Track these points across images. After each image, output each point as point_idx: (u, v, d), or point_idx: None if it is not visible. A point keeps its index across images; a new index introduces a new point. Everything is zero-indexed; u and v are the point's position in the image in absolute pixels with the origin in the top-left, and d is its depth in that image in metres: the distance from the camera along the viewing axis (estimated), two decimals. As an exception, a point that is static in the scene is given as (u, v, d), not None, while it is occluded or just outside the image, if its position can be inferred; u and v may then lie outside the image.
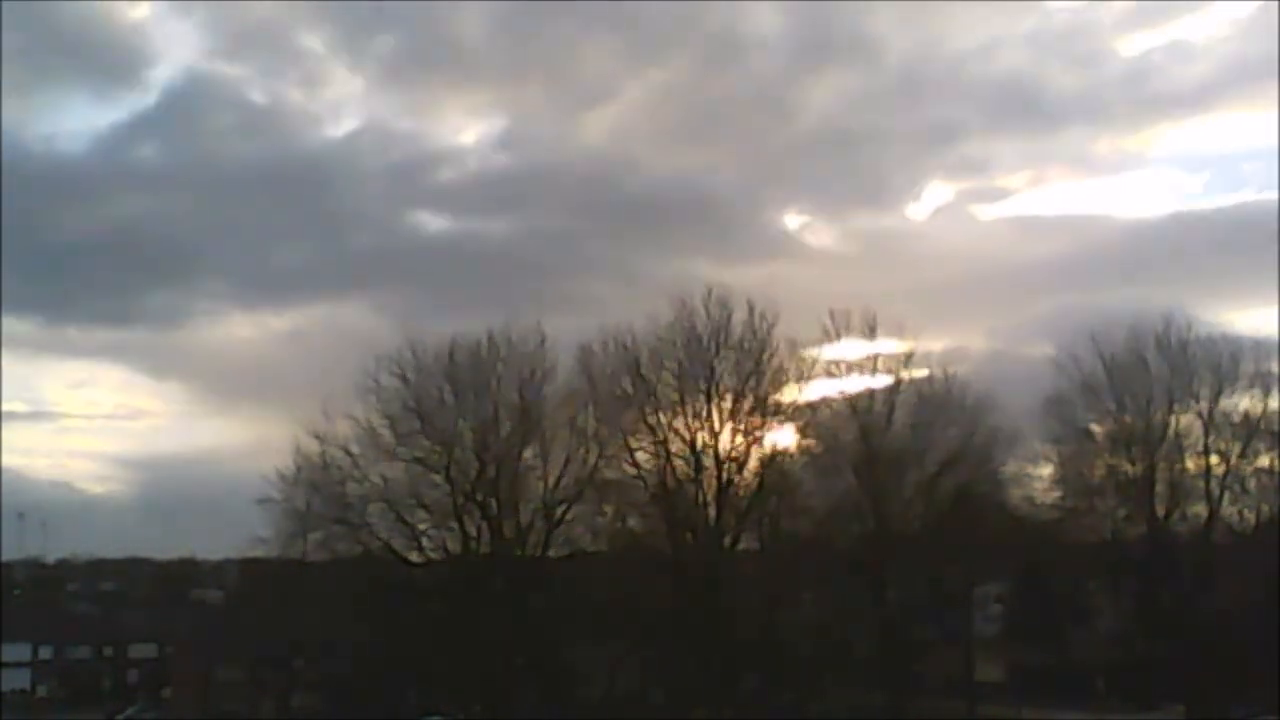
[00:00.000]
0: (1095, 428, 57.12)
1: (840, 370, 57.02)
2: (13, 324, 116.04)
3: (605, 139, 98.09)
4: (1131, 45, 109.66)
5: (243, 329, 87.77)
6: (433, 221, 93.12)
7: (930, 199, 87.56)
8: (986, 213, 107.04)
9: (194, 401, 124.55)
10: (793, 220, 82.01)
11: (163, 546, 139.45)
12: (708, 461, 54.39)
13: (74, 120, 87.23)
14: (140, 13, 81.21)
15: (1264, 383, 54.88)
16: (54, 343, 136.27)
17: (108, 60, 74.43)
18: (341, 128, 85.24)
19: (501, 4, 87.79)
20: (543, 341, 55.04)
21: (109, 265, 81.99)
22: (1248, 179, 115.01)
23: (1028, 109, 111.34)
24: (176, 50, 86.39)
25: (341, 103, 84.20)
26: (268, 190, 79.13)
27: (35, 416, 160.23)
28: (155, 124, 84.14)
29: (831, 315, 56.93)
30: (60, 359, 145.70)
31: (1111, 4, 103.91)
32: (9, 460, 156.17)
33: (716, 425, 54.48)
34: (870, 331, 56.81)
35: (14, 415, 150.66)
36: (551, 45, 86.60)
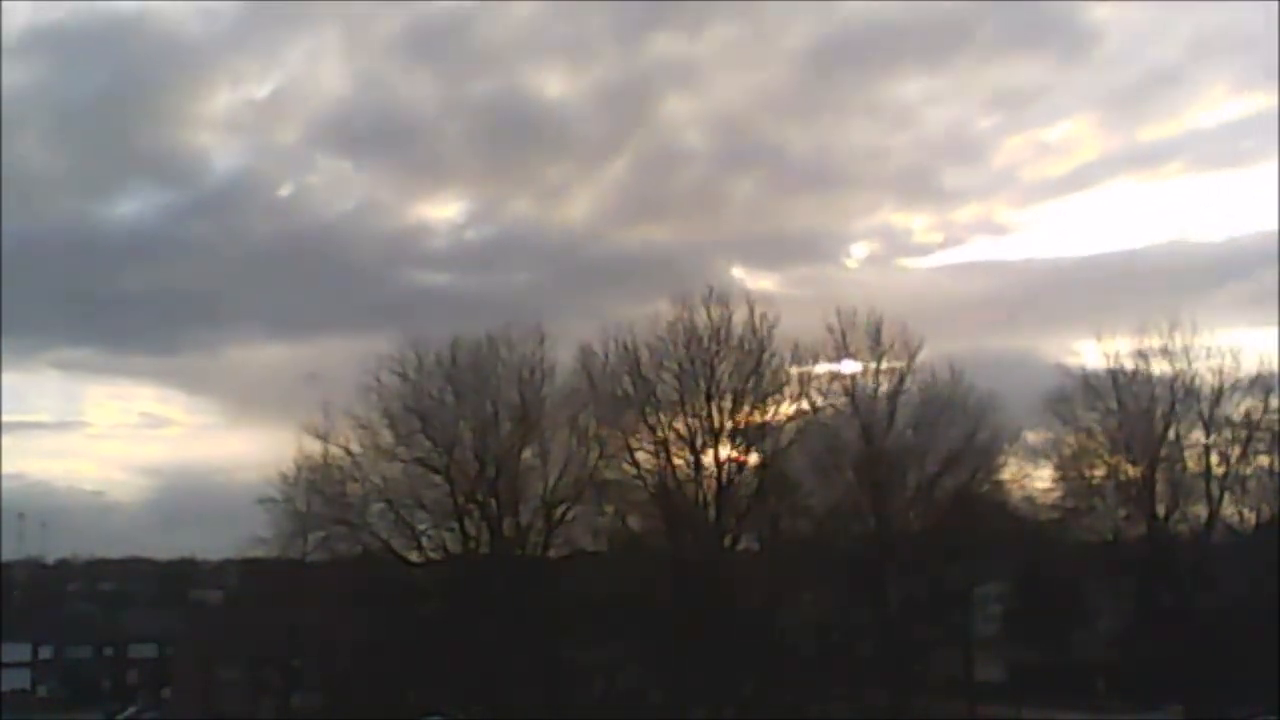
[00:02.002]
0: (1095, 428, 57.14)
1: (841, 370, 57.07)
2: (71, 352, 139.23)
3: (572, 216, 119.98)
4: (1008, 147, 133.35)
5: (267, 356, 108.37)
6: (425, 276, 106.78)
7: (857, 254, 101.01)
8: (907, 264, 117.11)
9: (218, 413, 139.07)
10: (738, 271, 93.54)
11: (164, 547, 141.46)
12: (708, 461, 54.46)
13: (138, 200, 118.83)
14: (201, 138, 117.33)
15: (1264, 383, 54.85)
16: (103, 367, 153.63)
17: (171, 165, 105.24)
18: (348, 206, 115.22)
19: (476, 122, 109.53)
20: (542, 341, 55.10)
21: (158, 309, 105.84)
22: (1119, 234, 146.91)
23: (928, 191, 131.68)
24: (224, 159, 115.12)
25: (349, 189, 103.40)
26: (289, 253, 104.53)
27: (62, 426, 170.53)
28: (203, 206, 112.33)
29: (837, 314, 57.09)
30: (107, 381, 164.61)
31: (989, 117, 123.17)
32: (36, 467, 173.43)
33: (716, 425, 54.46)
34: (873, 332, 56.85)
35: (42, 425, 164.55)
36: (519, 156, 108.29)
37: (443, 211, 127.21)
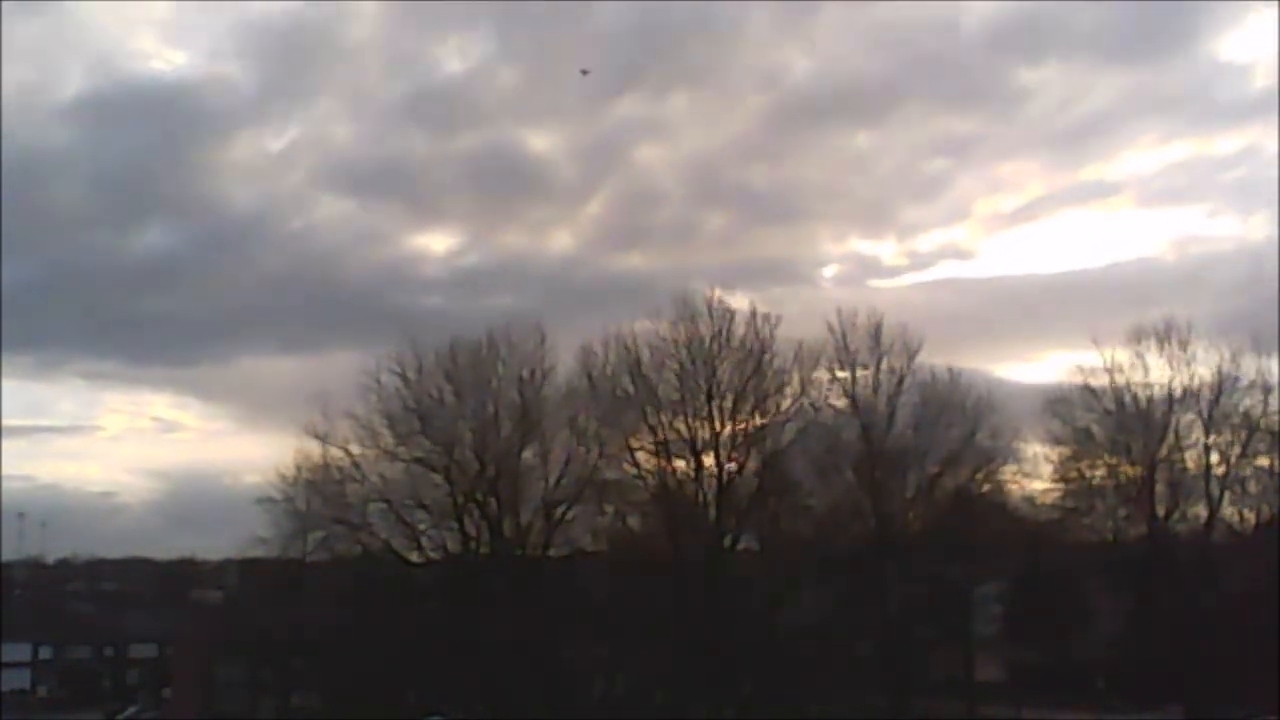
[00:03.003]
0: (1095, 428, 57.12)
1: (842, 370, 57.01)
2: (96, 363, 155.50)
3: (557, 247, 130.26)
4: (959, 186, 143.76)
5: (277, 368, 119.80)
6: (421, 299, 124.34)
7: (828, 275, 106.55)
8: (878, 284, 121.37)
9: (229, 419, 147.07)
10: (716, 292, 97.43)
11: (164, 547, 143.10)
12: (708, 462, 54.44)
13: (164, 233, 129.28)
14: (222, 182, 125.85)
15: (1264, 383, 54.89)
16: (123, 377, 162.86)
17: (194, 204, 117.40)
18: (351, 238, 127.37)
19: (467, 169, 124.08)
20: (542, 341, 55.12)
21: (177, 326, 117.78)
22: (1074, 255, 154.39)
23: (891, 222, 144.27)
24: (241, 199, 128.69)
25: (352, 224, 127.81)
26: (297, 278, 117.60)
27: (75, 430, 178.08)
28: (221, 239, 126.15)
29: (839, 314, 57.12)
30: (125, 389, 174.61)
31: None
32: (46, 469, 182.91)
33: (717, 425, 54.48)
34: (873, 334, 56.85)
35: (54, 429, 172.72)
36: (507, 198, 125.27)
37: (438, 243, 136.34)
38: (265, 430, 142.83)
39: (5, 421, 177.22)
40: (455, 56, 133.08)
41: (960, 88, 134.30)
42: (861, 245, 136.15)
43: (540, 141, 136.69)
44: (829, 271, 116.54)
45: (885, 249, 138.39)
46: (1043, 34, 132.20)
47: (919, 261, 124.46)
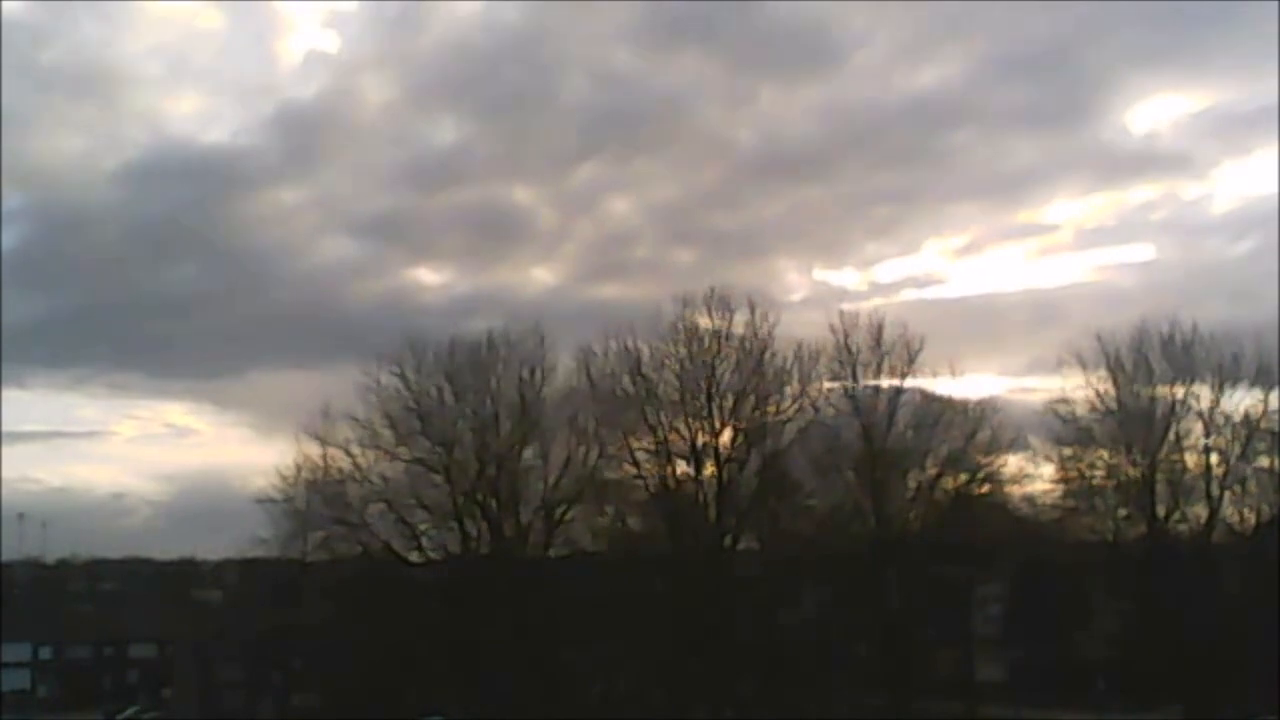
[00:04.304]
0: (1095, 428, 57.10)
1: (843, 370, 56.97)
2: (121, 376, 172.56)
3: (540, 279, 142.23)
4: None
5: (287, 380, 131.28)
6: (418, 321, 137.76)
7: (797, 300, 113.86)
8: (847, 307, 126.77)
9: (241, 425, 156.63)
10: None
11: (164, 547, 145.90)
12: (708, 461, 54.38)
13: (190, 267, 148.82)
14: (242, 228, 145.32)
15: (1265, 382, 54.82)
16: (145, 388, 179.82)
17: (217, 244, 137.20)
18: (354, 270, 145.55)
19: (458, 218, 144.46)
20: (542, 341, 55.14)
21: (198, 345, 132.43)
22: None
23: (852, 256, 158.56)
24: (258, 240, 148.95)
25: (355, 260, 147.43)
26: (306, 304, 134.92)
27: (90, 435, 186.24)
28: (240, 271, 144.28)
29: (840, 315, 57.09)
30: (146, 399, 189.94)
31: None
32: (55, 472, 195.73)
33: (717, 425, 54.48)
34: (874, 333, 56.84)
35: (73, 434, 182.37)
36: (494, 240, 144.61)
37: (432, 276, 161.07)
38: (274, 436, 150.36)
39: (27, 428, 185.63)
40: (445, 131, 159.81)
41: (894, 149, 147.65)
42: (827, 274, 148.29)
43: (521, 195, 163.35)
44: (796, 297, 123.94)
45: (850, 277, 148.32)
46: (960, 108, 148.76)
47: (880, 290, 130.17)
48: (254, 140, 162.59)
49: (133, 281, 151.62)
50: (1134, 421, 55.79)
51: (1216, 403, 55.10)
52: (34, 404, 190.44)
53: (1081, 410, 56.76)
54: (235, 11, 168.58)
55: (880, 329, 56.45)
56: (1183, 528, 55.87)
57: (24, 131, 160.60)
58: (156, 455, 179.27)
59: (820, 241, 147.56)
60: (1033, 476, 58.53)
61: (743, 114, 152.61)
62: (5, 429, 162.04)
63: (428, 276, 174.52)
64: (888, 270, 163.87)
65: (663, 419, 54.72)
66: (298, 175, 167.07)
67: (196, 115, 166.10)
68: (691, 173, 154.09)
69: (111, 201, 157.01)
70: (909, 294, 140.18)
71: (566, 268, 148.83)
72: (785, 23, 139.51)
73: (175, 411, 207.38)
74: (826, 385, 56.61)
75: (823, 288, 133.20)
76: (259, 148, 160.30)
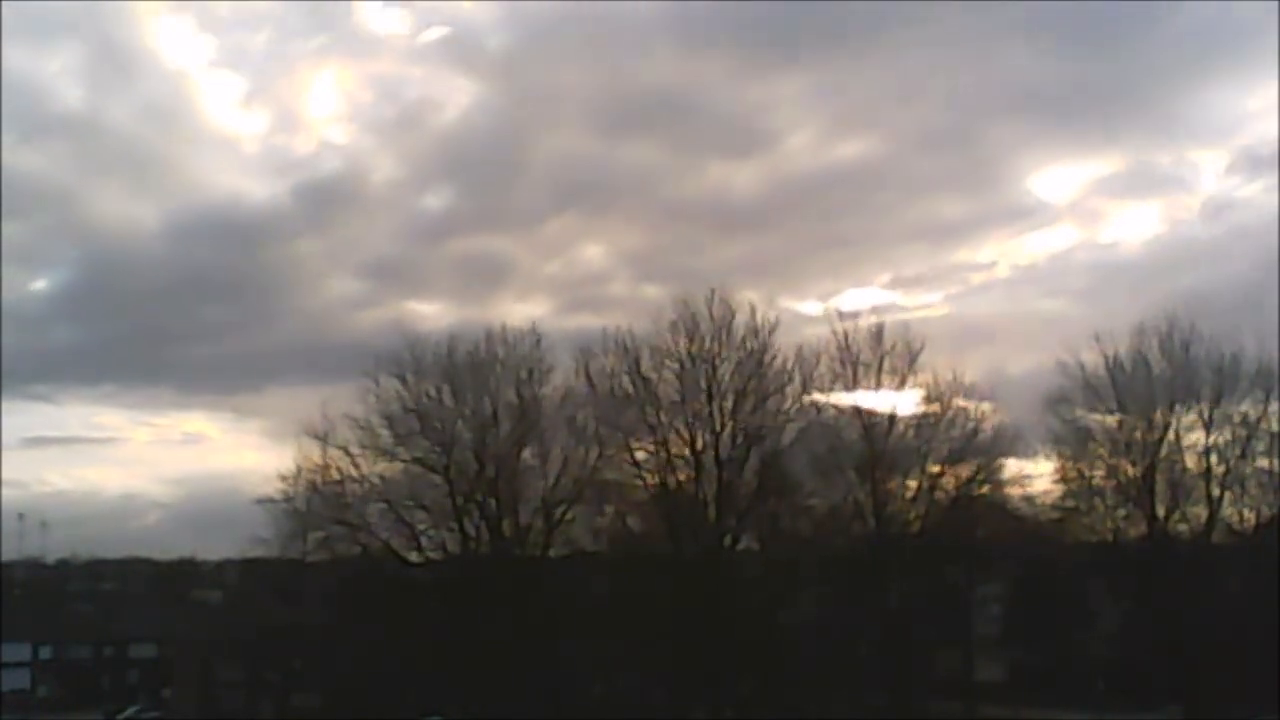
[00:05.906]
0: (1095, 428, 57.11)
1: (844, 371, 56.97)
2: (147, 390, 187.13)
3: (523, 311, 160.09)
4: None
5: (299, 393, 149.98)
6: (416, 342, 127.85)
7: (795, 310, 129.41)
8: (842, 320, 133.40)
9: (254, 433, 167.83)
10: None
11: (164, 547, 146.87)
12: (708, 461, 54.29)
13: (218, 305, 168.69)
14: (259, 269, 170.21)
15: (1265, 383, 54.78)
16: (168, 401, 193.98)
17: (238, 284, 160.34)
18: (358, 305, 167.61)
19: (450, 262, 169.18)
20: (539, 341, 55.14)
21: (219, 364, 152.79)
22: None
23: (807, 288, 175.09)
24: (272, 280, 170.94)
25: (360, 295, 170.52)
26: (315, 330, 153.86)
27: (107, 441, 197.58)
28: (255, 303, 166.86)
29: (839, 315, 57.03)
30: (166, 410, 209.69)
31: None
32: (64, 476, 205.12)
33: (717, 425, 54.34)
34: (875, 333, 56.84)
35: (90, 440, 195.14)
36: (479, 280, 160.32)
37: (429, 308, 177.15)
38: (284, 442, 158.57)
39: (46, 434, 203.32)
40: (436, 198, 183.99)
41: (834, 206, 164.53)
42: (790, 304, 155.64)
43: (502, 244, 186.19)
44: (791, 309, 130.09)
45: (811, 307, 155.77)
46: (880, 178, 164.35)
47: (845, 317, 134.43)
48: (278, 205, 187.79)
49: (166, 314, 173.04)
50: (1134, 421, 55.78)
51: (1216, 403, 55.08)
52: (60, 416, 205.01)
53: (1081, 410, 56.83)
54: (266, 104, 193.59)
55: (881, 329, 56.60)
56: (1183, 528, 55.81)
57: (83, 201, 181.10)
58: (167, 460, 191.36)
59: (780, 277, 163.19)
60: (1033, 476, 58.62)
61: (693, 182, 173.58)
62: (29, 436, 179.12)
63: (424, 308, 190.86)
64: (848, 300, 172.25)
65: (662, 419, 54.62)
66: (313, 231, 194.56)
67: (231, 188, 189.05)
68: (654, 226, 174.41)
69: (155, 252, 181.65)
70: (872, 320, 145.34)
71: (548, 301, 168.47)
72: (724, 112, 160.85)
73: (192, 420, 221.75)
74: (827, 385, 56.65)
75: (789, 314, 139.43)
76: (282, 211, 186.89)
